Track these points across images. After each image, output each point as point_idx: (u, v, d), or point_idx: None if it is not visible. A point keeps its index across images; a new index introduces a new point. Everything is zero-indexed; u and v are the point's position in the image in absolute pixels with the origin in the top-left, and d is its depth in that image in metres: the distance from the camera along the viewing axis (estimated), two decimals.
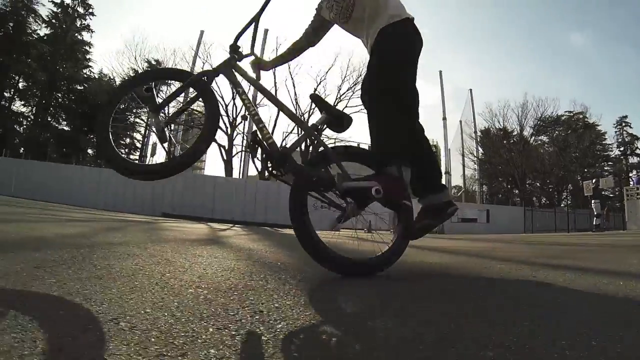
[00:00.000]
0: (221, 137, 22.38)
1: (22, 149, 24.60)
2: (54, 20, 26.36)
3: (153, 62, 25.12)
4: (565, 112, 34.36)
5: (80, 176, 16.53)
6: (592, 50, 60.95)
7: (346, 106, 23.24)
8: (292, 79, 23.08)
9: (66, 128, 27.22)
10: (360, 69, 23.20)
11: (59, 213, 6.18)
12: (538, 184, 34.25)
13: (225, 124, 22.30)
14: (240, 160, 22.37)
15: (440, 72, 20.42)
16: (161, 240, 2.79)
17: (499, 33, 67.85)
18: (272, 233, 5.96)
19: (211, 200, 16.61)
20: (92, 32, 27.69)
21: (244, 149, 22.73)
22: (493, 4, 67.48)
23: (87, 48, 27.70)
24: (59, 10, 26.53)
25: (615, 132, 38.05)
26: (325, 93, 23.25)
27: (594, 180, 18.42)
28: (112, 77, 26.65)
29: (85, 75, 27.62)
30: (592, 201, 16.17)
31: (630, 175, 35.76)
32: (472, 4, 67.06)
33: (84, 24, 27.51)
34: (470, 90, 22.10)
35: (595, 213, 15.60)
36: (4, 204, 6.88)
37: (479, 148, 28.57)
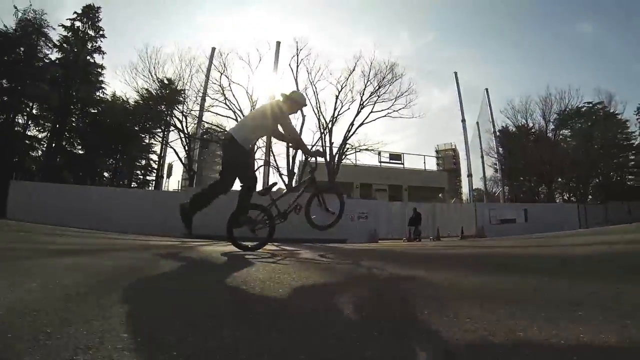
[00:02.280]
0: None
1: (38, 174, 24.03)
2: (65, 44, 26.14)
3: (166, 82, 24.67)
4: (585, 103, 33.66)
5: (95, 196, 15.72)
6: (602, 36, 60.70)
7: (372, 111, 22.80)
8: (313, 86, 22.57)
9: (81, 151, 26.70)
10: (385, 71, 22.74)
11: (99, 240, 5.54)
12: (560, 180, 33.37)
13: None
14: (262, 174, 21.77)
15: (456, 73, 20.11)
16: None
17: (504, 31, 68.14)
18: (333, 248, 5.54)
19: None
20: (103, 54, 27.47)
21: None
22: (489, 3, 68.05)
23: (99, 70, 27.40)
24: (70, 33, 26.36)
25: (637, 119, 37.18)
26: (347, 99, 22.67)
27: None
28: (126, 99, 26.27)
29: (98, 98, 27.22)
30: None
31: None
32: (472, 5, 67.65)
33: (95, 46, 27.29)
34: (486, 89, 21.62)
35: None
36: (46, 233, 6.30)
37: (499, 148, 28.00)
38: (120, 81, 24.57)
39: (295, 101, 4.12)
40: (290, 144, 4.60)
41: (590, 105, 34.27)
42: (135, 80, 22.61)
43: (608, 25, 59.96)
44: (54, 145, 25.36)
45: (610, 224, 20.05)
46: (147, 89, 23.93)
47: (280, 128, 4.03)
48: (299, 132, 4.10)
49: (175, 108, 23.58)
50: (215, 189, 3.92)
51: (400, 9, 71.73)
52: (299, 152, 18.38)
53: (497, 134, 25.61)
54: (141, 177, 27.70)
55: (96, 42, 27.36)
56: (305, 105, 4.51)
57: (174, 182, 25.29)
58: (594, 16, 61.02)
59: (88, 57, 26.97)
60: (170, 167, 24.76)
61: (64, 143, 26.04)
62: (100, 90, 27.31)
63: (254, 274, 2.13)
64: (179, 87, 23.89)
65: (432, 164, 31.58)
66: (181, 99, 23.88)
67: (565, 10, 62.11)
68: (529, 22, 66.59)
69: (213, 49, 23.78)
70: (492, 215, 21.90)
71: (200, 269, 2.59)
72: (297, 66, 22.71)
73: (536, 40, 65.56)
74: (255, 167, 21.93)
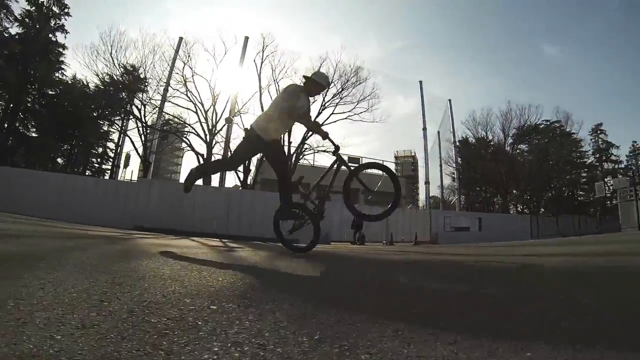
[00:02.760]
0: (200, 144, 21.62)
1: None
2: (26, 19, 24.88)
3: (129, 68, 23.90)
4: (543, 120, 35.44)
5: (44, 184, 15.10)
6: (565, 60, 64.11)
7: (333, 112, 22.97)
8: (276, 83, 22.48)
9: (35, 134, 25.53)
10: (349, 74, 22.95)
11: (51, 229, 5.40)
12: (515, 192, 35.00)
13: (204, 130, 21.42)
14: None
15: (421, 82, 20.58)
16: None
17: (473, 46, 70.50)
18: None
19: (190, 211, 15.28)
20: (66, 32, 26.30)
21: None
22: (463, 18, 70.18)
23: (61, 50, 26.23)
24: (33, 8, 25.10)
25: (591, 139, 39.52)
26: (312, 99, 22.71)
27: None
28: (86, 83, 25.18)
29: (57, 79, 26.07)
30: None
31: (606, 180, 37.06)
32: (445, 17, 69.49)
33: (59, 23, 26.12)
34: (450, 100, 22.35)
35: None
36: None
37: (458, 158, 28.99)
38: (80, 63, 23.40)
39: (318, 83, 3.84)
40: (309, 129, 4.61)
41: (549, 123, 36.15)
42: (95, 63, 21.80)
43: (574, 50, 63.47)
44: (5, 125, 24.15)
45: (561, 236, 21.26)
46: (109, 74, 23.11)
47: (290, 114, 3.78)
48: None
49: (136, 97, 22.90)
50: (220, 164, 3.93)
51: (372, 14, 72.95)
52: None
53: (457, 144, 26.57)
54: (97, 165, 26.77)
55: (60, 20, 26.21)
56: (328, 86, 4.26)
57: (130, 173, 24.44)
58: (561, 40, 64.38)
59: (50, 35, 25.82)
60: (127, 156, 24.06)
61: (17, 124, 24.85)
62: (60, 71, 26.21)
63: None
64: (142, 75, 23.25)
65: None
66: (143, 87, 23.25)
67: (534, 31, 65.19)
68: (497, 39, 69.34)
69: (180, 39, 23.14)
70: (446, 222, 22.47)
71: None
72: (262, 62, 22.55)
73: (502, 56, 68.44)
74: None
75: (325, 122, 22.54)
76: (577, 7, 61.65)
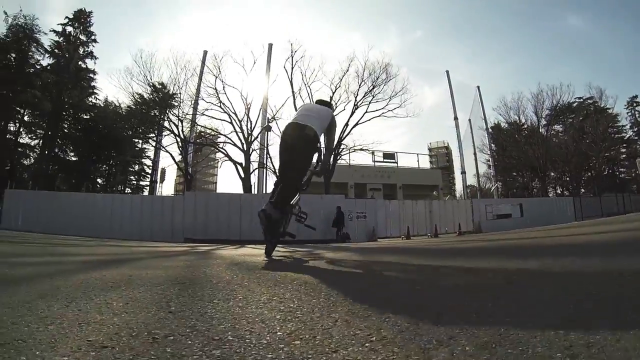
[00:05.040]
0: (237, 154, 21.85)
1: (30, 182, 23.76)
2: (56, 50, 25.94)
3: (158, 86, 24.49)
4: (576, 98, 34.06)
5: (92, 204, 15.46)
6: (592, 30, 61.44)
7: (366, 111, 22.81)
8: (307, 87, 22.57)
9: (74, 158, 26.46)
10: (378, 72, 22.79)
11: (101, 249, 5.45)
12: (553, 174, 33.74)
13: (240, 139, 21.64)
14: (257, 177, 21.62)
15: (447, 72, 20.26)
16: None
17: (495, 27, 68.83)
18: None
19: (237, 219, 15.25)
20: (95, 59, 27.30)
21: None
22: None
23: (92, 75, 27.27)
24: (61, 39, 26.15)
25: (627, 113, 37.74)
26: (342, 99, 22.68)
27: None
28: (118, 104, 26.04)
29: (90, 103, 27.01)
30: None
31: None
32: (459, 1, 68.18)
33: (87, 51, 27.09)
34: (478, 87, 21.80)
35: None
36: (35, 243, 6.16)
37: (492, 145, 28.20)
38: (116, 86, 24.26)
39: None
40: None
41: (582, 100, 34.73)
42: (130, 85, 22.43)
43: (597, 19, 60.80)
44: (46, 152, 25.12)
45: (606, 216, 20.29)
46: (139, 94, 23.79)
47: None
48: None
49: (170, 112, 23.43)
50: (292, 185, 3.63)
51: (388, 7, 72.37)
52: None
53: (490, 130, 25.86)
54: (135, 182, 27.48)
55: (88, 47, 27.23)
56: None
57: (167, 187, 25.05)
58: (583, 10, 61.87)
59: (80, 63, 26.81)
60: (163, 171, 24.58)
61: (56, 150, 25.81)
62: (93, 96, 27.16)
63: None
64: (171, 91, 23.80)
65: (425, 162, 31.89)
66: (174, 103, 23.80)
67: (554, 4, 62.86)
68: (518, 18, 67.42)
69: (205, 52, 23.71)
70: (487, 210, 21.96)
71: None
72: (292, 68, 22.65)
73: (526, 36, 66.45)
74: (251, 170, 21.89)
75: (360, 121, 22.61)
76: None
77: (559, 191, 33.00)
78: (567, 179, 32.44)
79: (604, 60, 58.58)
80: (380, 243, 10.95)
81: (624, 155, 36.35)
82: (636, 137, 37.58)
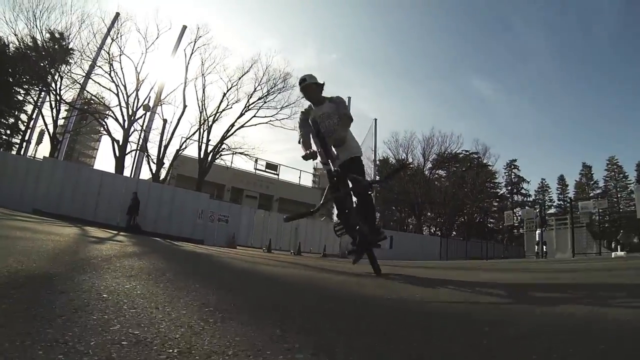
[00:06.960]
0: (117, 130, 20.75)
1: None
2: None
3: (57, 36, 22.63)
4: (463, 150, 38.87)
5: None
6: (492, 96, 70.32)
7: (255, 115, 23.19)
8: (203, 77, 22.47)
9: None
10: (275, 79, 23.28)
11: None
12: (430, 214, 37.72)
13: (122, 116, 20.64)
14: (133, 160, 20.90)
15: (349, 97, 21.67)
16: None
17: (404, 68, 74.89)
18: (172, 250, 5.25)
19: (94, 199, 14.46)
20: None
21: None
22: (402, 42, 74.31)
23: None
24: None
25: (505, 172, 43.94)
26: (233, 98, 22.87)
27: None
28: (6, 42, 23.29)
29: None
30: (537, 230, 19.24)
31: (514, 210, 41.26)
32: (382, 37, 73.14)
33: None
34: (375, 120, 23.62)
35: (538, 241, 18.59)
36: None
37: (377, 177, 30.64)
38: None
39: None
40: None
41: (468, 153, 39.73)
42: (16, 21, 20.24)
43: (500, 89, 69.85)
44: None
45: (469, 258, 23.07)
46: (31, 37, 21.50)
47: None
48: None
49: (60, 68, 21.53)
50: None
51: (314, 22, 75.07)
52: None
53: (377, 162, 28.26)
54: (5, 137, 24.89)
55: None
56: (300, 85, 3.66)
57: (43, 151, 22.68)
58: (491, 77, 70.58)
59: None
60: (42, 132, 22.66)
61: None
62: None
63: None
64: (69, 46, 22.04)
65: (308, 181, 32.10)
66: (70, 60, 22.10)
67: (468, 65, 70.81)
68: (429, 65, 74.23)
69: (117, 14, 21.93)
70: None
71: None
72: (192, 53, 22.23)
73: (433, 84, 73.44)
74: None
75: (247, 124, 22.84)
76: (511, 54, 67.84)
77: (432, 230, 37.09)
78: (442, 220, 36.63)
79: (494, 123, 67.66)
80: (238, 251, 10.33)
81: (495, 208, 42.17)
82: (508, 195, 43.93)
